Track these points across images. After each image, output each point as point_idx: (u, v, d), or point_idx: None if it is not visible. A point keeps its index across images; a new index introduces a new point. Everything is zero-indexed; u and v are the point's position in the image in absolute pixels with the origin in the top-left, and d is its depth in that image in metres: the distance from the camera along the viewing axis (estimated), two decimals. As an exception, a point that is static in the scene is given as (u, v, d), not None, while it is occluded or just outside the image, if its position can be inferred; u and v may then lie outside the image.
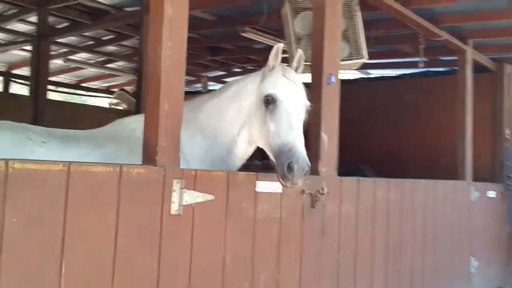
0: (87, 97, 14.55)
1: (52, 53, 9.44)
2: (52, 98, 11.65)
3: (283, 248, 3.51)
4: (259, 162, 5.58)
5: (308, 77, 4.18)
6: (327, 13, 4.12)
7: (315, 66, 4.12)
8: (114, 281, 2.45)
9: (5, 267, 2.07)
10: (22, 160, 2.18)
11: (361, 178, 4.46)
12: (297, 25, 5.19)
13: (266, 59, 3.43)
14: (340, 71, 4.40)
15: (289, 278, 3.59)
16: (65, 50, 10.00)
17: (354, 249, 4.28)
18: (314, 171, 3.85)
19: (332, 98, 4.15)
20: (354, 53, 5.22)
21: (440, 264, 5.68)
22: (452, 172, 6.77)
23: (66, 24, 8.47)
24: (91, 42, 9.63)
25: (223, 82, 10.85)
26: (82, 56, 10.57)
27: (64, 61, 10.49)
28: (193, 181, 2.86)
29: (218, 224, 3.05)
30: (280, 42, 3.66)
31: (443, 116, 8.12)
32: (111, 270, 2.45)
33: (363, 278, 4.39)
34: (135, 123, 3.50)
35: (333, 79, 4.11)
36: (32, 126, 3.68)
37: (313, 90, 4.02)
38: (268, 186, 3.35)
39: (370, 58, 5.31)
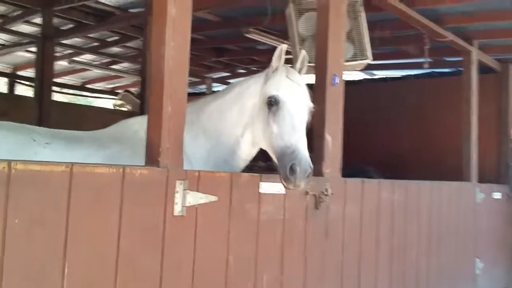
0: (92, 98, 14.58)
1: (57, 54, 9.47)
2: (57, 100, 11.69)
3: (287, 250, 3.50)
4: (263, 163, 5.57)
5: (312, 78, 4.17)
6: (331, 14, 4.11)
7: (319, 67, 4.11)
8: (116, 282, 2.45)
9: (7, 268, 2.07)
10: (24, 161, 2.18)
11: (365, 179, 4.45)
12: (301, 26, 5.18)
13: (270, 60, 3.42)
14: (344, 72, 4.38)
15: (293, 280, 3.58)
16: (69, 51, 10.04)
17: (358, 251, 4.26)
18: (318, 172, 3.84)
19: (336, 99, 4.13)
20: (359, 54, 5.21)
21: (445, 266, 5.65)
22: (457, 173, 6.75)
23: (70, 25, 8.50)
24: (95, 44, 9.66)
25: (228, 83, 10.85)
26: (86, 57, 10.60)
27: (69, 63, 10.53)
28: (196, 182, 2.86)
29: (221, 225, 3.04)
30: (284, 43, 3.65)
31: (448, 117, 8.10)
32: (114, 271, 2.44)
33: (367, 280, 4.37)
34: (139, 124, 3.50)
35: (337, 80, 4.09)
36: (36, 127, 3.69)
37: (317, 91, 4.01)
38: (271, 187, 3.34)
39: (375, 59, 5.30)
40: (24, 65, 11.50)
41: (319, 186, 3.78)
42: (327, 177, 3.91)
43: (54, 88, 9.96)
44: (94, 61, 10.88)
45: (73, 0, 7.10)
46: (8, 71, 11.99)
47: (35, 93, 8.19)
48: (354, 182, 4.27)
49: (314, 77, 4.15)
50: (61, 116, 8.54)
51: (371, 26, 5.32)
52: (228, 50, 9.42)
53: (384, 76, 10.07)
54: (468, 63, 7.04)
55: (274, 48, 3.39)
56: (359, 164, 6.98)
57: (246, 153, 3.56)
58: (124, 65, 11.15)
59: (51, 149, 3.24)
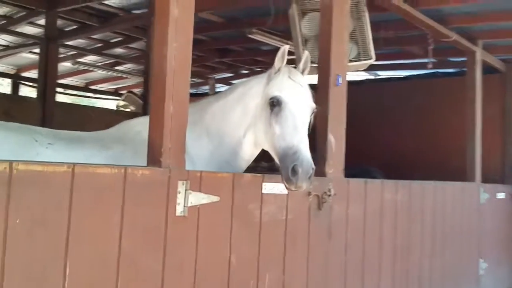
0: (96, 99, 14.60)
1: (61, 55, 9.48)
2: (61, 101, 11.71)
3: (289, 250, 3.49)
4: (265, 164, 5.56)
5: (315, 78, 4.15)
6: (334, 14, 4.10)
7: (322, 67, 4.10)
8: (118, 282, 2.44)
9: (8, 268, 2.07)
10: (26, 162, 2.18)
11: (368, 180, 4.43)
12: (304, 26, 5.17)
13: (273, 61, 3.40)
14: (348, 72, 4.37)
15: (296, 280, 3.57)
16: (73, 52, 10.06)
17: (361, 251, 4.25)
18: (321, 172, 3.83)
19: (339, 99, 4.12)
20: (362, 54, 5.19)
21: (448, 266, 5.63)
22: (461, 173, 6.73)
23: (74, 26, 8.52)
24: (99, 45, 9.68)
25: (231, 84, 10.84)
26: (90, 58, 10.62)
27: (73, 64, 10.56)
28: (198, 182, 2.85)
29: (223, 226, 3.03)
30: (287, 44, 3.65)
31: (452, 117, 8.08)
32: (115, 272, 2.44)
33: (370, 280, 4.36)
34: (141, 125, 3.49)
35: (340, 80, 4.08)
36: (38, 127, 3.68)
37: (320, 91, 4.00)
38: (274, 187, 3.33)
39: (379, 60, 5.29)
40: (28, 67, 11.53)
41: (322, 187, 3.77)
42: (330, 177, 3.90)
43: (58, 89, 9.96)
44: (97, 62, 10.90)
45: (77, 1, 7.11)
46: (12, 72, 12.02)
47: (39, 94, 8.19)
48: (357, 183, 4.26)
49: (317, 78, 4.14)
50: (64, 117, 8.55)
51: (375, 26, 5.32)
52: (231, 50, 9.42)
53: (388, 77, 10.05)
54: (472, 63, 7.03)
55: (277, 49, 3.38)
56: (362, 164, 6.96)
57: (248, 154, 3.55)
58: (128, 66, 11.17)
59: (53, 150, 3.24)
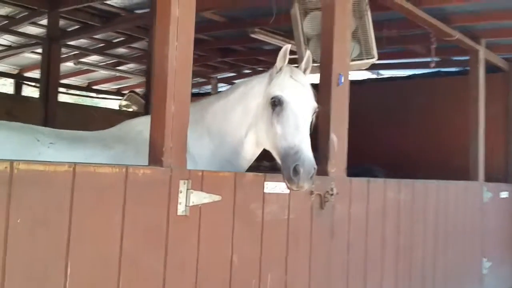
0: (98, 99, 14.61)
1: (63, 55, 9.49)
2: (63, 101, 11.73)
3: (292, 250, 3.48)
4: (267, 163, 5.55)
5: (317, 78, 4.14)
6: (336, 13, 4.09)
7: (325, 66, 4.09)
8: (120, 282, 2.44)
9: (9, 268, 2.06)
10: (27, 161, 2.17)
11: (371, 179, 4.42)
12: (307, 25, 5.17)
13: (276, 60, 3.40)
14: (350, 71, 4.35)
15: (298, 280, 3.56)
16: (75, 52, 10.07)
17: (364, 250, 4.24)
18: (323, 171, 3.82)
19: (342, 98, 4.11)
20: (364, 53, 5.18)
21: (451, 265, 5.62)
22: (464, 172, 6.71)
23: (76, 26, 8.53)
24: (101, 45, 9.69)
25: (233, 84, 10.84)
26: (92, 58, 10.64)
27: (75, 64, 10.56)
28: (200, 182, 2.84)
29: (225, 225, 3.02)
30: (289, 43, 3.63)
31: (455, 116, 8.06)
32: (117, 272, 2.43)
33: (373, 280, 4.35)
34: (143, 125, 3.48)
35: (342, 80, 4.07)
36: (40, 127, 3.69)
37: (322, 90, 3.99)
38: (276, 187, 3.33)
39: (381, 59, 5.27)
40: (31, 67, 11.55)
41: (324, 186, 3.76)
42: (332, 176, 3.89)
43: (60, 89, 9.99)
44: (100, 62, 10.91)
45: (79, 1, 7.12)
46: (14, 72, 12.04)
47: (41, 94, 8.21)
48: (359, 182, 4.25)
49: (319, 77, 4.12)
50: (67, 117, 8.56)
51: (378, 25, 5.30)
52: (233, 50, 9.41)
53: (391, 76, 10.03)
54: (475, 62, 7.00)
55: (279, 48, 3.37)
56: (365, 163, 6.95)
57: (250, 153, 3.54)
58: (130, 66, 11.18)
59: (55, 149, 3.24)
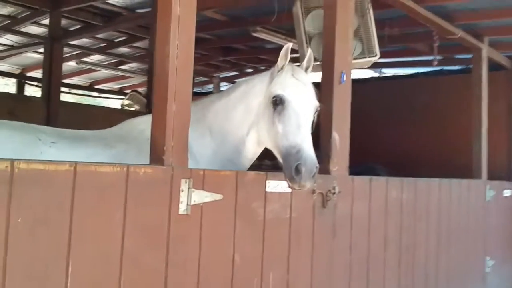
0: (100, 98, 14.61)
1: (65, 55, 9.50)
2: (65, 100, 11.72)
3: (294, 249, 3.47)
4: (269, 162, 5.54)
5: (319, 76, 4.13)
6: (338, 11, 4.07)
7: (327, 64, 4.07)
8: (121, 281, 2.43)
9: (10, 267, 2.06)
10: (28, 160, 2.17)
11: (373, 177, 4.41)
12: (308, 24, 5.16)
13: (277, 59, 3.39)
14: (352, 70, 4.34)
15: (300, 279, 3.55)
16: (77, 52, 10.07)
17: (366, 249, 4.23)
18: (325, 170, 3.81)
19: (344, 97, 4.10)
20: (366, 52, 5.18)
21: (454, 264, 5.60)
22: (467, 170, 6.70)
23: (78, 26, 8.54)
24: (103, 44, 9.69)
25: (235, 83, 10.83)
26: (94, 58, 10.64)
27: (77, 63, 10.57)
28: (201, 180, 2.84)
29: (227, 224, 3.02)
30: (291, 42, 3.63)
31: (458, 115, 8.03)
32: (118, 271, 2.43)
33: (375, 279, 4.33)
34: (144, 124, 3.48)
35: (344, 78, 4.06)
36: (42, 126, 3.68)
37: (324, 89, 3.98)
38: (277, 185, 3.32)
39: (383, 57, 5.26)
40: (33, 66, 11.56)
41: (326, 185, 3.75)
42: (334, 175, 3.88)
43: (62, 88, 9.98)
44: (102, 61, 10.92)
45: (81, 0, 7.12)
46: (17, 72, 12.05)
47: (43, 93, 8.22)
48: (362, 180, 4.24)
49: (321, 75, 4.11)
50: (69, 117, 8.55)
51: (380, 23, 5.29)
52: (235, 49, 9.40)
53: (393, 74, 10.01)
54: (478, 60, 6.98)
55: (281, 47, 3.36)
56: (367, 162, 6.93)
57: (252, 152, 3.53)
58: (132, 65, 11.19)
59: (56, 148, 3.24)
